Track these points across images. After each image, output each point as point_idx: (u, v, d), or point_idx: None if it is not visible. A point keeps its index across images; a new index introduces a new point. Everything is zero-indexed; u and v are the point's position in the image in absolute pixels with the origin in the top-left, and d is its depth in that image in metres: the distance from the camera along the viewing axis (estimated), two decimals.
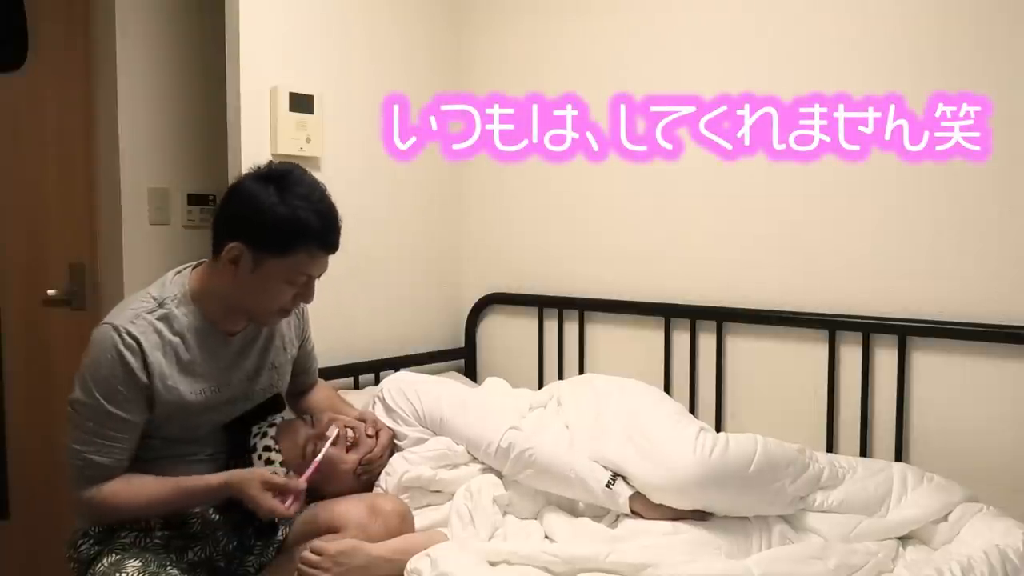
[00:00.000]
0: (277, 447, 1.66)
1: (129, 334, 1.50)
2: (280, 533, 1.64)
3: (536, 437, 1.77)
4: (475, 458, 1.79)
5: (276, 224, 1.51)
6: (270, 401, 1.76)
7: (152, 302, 1.56)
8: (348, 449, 1.73)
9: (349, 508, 1.62)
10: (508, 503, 1.73)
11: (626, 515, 1.68)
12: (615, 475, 1.69)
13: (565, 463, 1.71)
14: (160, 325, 1.54)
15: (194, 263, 1.67)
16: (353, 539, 1.53)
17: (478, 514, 1.63)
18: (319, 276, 1.62)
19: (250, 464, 1.64)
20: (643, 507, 1.66)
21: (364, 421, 1.81)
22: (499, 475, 1.76)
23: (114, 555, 1.53)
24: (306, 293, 1.62)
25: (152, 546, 1.56)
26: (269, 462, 1.64)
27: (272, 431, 1.69)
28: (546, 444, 1.75)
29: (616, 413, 1.82)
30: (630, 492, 1.67)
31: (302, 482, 1.51)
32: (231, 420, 1.68)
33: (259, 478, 1.50)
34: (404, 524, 1.64)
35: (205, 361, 1.59)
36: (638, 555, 1.46)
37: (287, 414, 1.82)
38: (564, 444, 1.79)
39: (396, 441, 1.83)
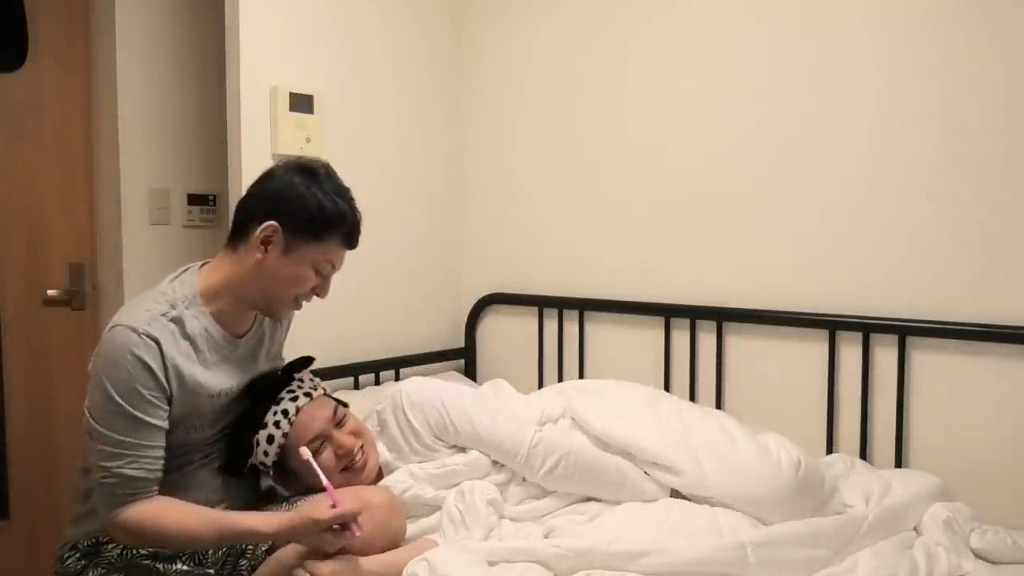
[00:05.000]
0: (292, 419, 1.66)
1: (148, 335, 1.45)
2: None
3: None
4: (484, 476, 1.74)
5: (318, 209, 1.55)
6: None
7: (164, 304, 1.53)
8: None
9: None
10: (506, 499, 1.72)
11: None
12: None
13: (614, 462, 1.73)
14: (173, 327, 1.51)
15: (200, 263, 1.65)
16: (347, 557, 1.50)
17: (470, 516, 1.61)
18: (338, 270, 1.65)
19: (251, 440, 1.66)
20: None
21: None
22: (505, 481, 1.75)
23: (100, 569, 1.51)
24: (324, 285, 1.63)
25: (138, 558, 1.52)
26: (277, 425, 1.66)
27: (303, 400, 1.69)
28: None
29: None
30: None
31: (346, 508, 1.45)
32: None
33: (313, 526, 1.44)
34: (392, 516, 1.61)
35: (214, 364, 1.57)
36: (639, 543, 1.46)
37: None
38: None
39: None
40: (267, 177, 1.61)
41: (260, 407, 1.68)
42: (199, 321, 1.55)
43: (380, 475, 1.79)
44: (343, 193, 1.61)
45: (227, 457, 1.66)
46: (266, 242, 1.55)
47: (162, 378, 1.47)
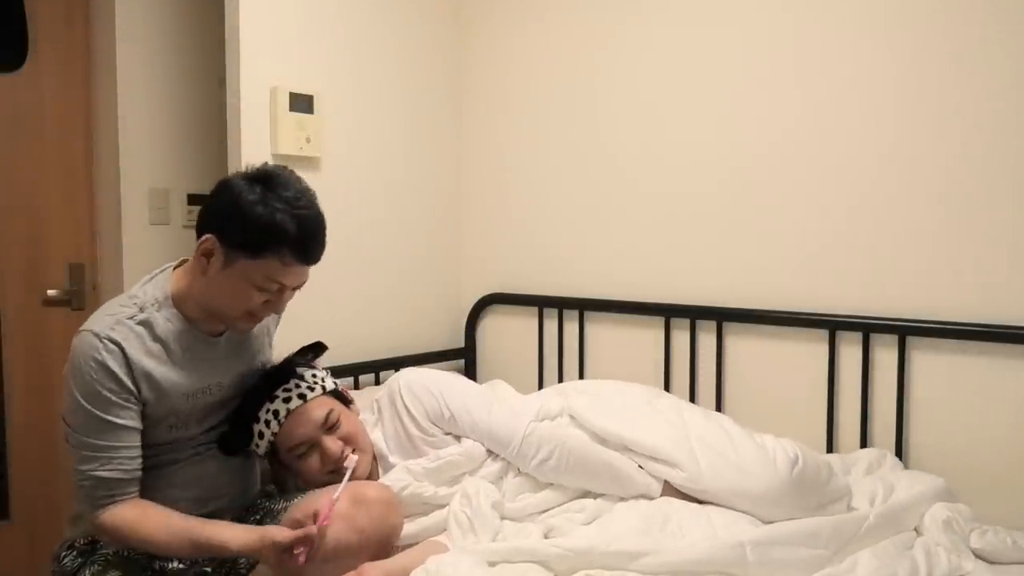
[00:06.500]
0: (282, 420, 1.66)
1: (110, 339, 1.46)
2: None
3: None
4: (477, 469, 1.74)
5: (251, 223, 1.46)
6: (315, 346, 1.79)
7: (132, 307, 1.52)
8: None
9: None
10: (508, 493, 1.71)
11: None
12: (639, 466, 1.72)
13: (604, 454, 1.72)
14: (141, 330, 1.50)
15: (176, 262, 1.63)
16: (374, 564, 1.50)
17: (478, 520, 1.60)
18: (295, 287, 1.56)
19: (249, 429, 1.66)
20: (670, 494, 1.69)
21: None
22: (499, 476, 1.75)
23: (96, 566, 1.51)
24: (277, 302, 1.55)
25: (135, 557, 1.53)
26: (267, 424, 1.66)
27: (296, 403, 1.68)
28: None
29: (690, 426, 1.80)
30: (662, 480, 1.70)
31: (313, 529, 1.44)
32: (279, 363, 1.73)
33: (272, 548, 1.42)
34: (390, 511, 1.60)
35: (189, 363, 1.55)
36: (638, 543, 1.46)
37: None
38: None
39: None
40: (220, 186, 1.53)
41: (259, 397, 1.68)
42: (171, 323, 1.54)
43: (376, 472, 1.79)
44: (295, 204, 1.48)
45: (224, 437, 1.67)
46: (207, 255, 1.50)
47: (127, 380, 1.46)
